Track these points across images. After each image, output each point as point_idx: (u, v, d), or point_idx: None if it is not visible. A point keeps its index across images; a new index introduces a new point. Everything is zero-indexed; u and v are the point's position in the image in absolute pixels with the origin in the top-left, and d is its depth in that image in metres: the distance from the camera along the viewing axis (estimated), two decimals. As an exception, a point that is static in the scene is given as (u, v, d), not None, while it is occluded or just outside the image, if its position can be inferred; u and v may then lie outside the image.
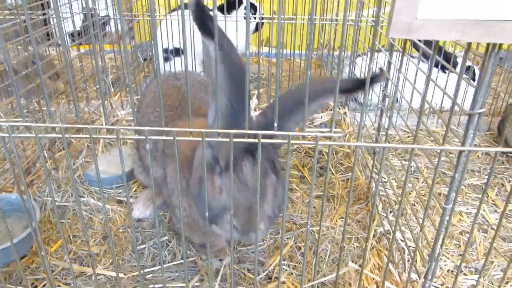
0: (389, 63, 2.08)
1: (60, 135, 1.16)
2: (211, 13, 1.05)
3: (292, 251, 1.94)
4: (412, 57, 3.12)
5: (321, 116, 3.05)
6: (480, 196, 2.36)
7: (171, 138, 1.14)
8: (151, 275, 1.81)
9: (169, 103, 1.88)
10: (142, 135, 1.16)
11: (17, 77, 2.41)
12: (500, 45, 1.04)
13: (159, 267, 1.84)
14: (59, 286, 1.72)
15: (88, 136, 1.16)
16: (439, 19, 0.96)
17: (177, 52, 3.52)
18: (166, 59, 3.57)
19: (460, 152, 1.20)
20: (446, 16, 0.96)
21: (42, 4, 2.99)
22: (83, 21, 3.98)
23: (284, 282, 1.76)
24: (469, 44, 1.12)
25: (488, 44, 1.05)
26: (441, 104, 2.91)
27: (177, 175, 1.20)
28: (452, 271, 1.87)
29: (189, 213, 1.61)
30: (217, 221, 1.32)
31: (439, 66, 2.93)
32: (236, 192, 1.24)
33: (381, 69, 1.18)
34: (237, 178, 1.24)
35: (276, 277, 1.79)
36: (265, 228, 1.28)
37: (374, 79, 1.15)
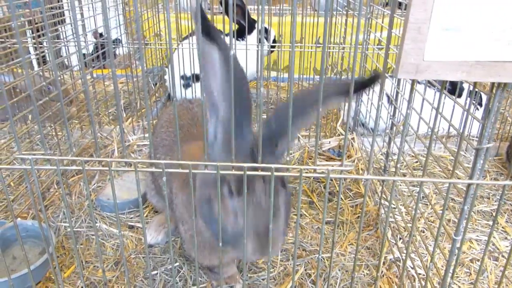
0: (397, 93, 2.12)
1: (81, 168, 1.20)
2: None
3: (302, 278, 1.95)
4: (419, 83, 3.17)
5: (329, 142, 3.09)
6: (489, 223, 2.36)
7: (187, 171, 1.18)
8: (162, 302, 1.83)
9: (180, 123, 1.92)
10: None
11: (31, 108, 2.49)
12: (505, 84, 1.08)
13: (171, 294, 1.85)
14: (72, 313, 1.75)
15: (107, 168, 1.21)
16: (445, 60, 1.01)
17: (197, 78, 3.59)
18: (187, 86, 3.62)
19: (469, 185, 1.22)
20: (451, 58, 1.01)
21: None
22: (94, 47, 4.09)
23: (295, 310, 1.77)
24: (475, 82, 1.16)
25: (492, 83, 1.09)
26: (448, 130, 2.94)
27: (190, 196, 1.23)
28: (463, 300, 1.87)
29: (191, 224, 1.61)
30: (233, 244, 1.31)
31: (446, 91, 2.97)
32: (252, 215, 1.24)
33: (375, 72, 1.20)
34: (251, 201, 1.23)
35: (287, 305, 1.80)
36: (278, 247, 1.31)
37: (370, 80, 1.17)
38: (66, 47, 3.22)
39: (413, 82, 1.25)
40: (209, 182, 1.32)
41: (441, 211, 1.27)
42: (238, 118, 1.17)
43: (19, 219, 2.07)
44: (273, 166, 1.11)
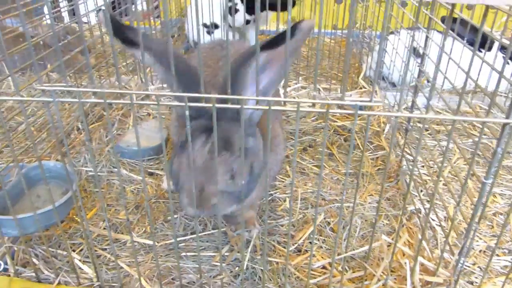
0: (426, 39, 2.02)
1: (102, 100, 1.18)
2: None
3: (321, 225, 1.95)
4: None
5: (351, 95, 3.01)
6: (514, 177, 2.30)
7: (211, 105, 1.15)
8: (183, 244, 1.86)
9: (207, 73, 1.87)
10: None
11: (50, 49, 2.47)
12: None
13: (191, 236, 1.88)
14: (96, 251, 1.79)
15: (129, 101, 1.18)
16: (493, -17, 0.93)
17: (216, 26, 3.70)
18: (209, 33, 3.73)
19: (504, 125, 1.16)
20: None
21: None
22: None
23: (314, 255, 1.77)
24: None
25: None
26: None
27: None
28: (484, 251, 1.85)
29: None
30: (179, 195, 1.39)
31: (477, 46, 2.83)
32: (185, 170, 1.32)
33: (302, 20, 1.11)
34: (187, 157, 1.29)
35: (306, 250, 1.81)
36: (222, 203, 1.32)
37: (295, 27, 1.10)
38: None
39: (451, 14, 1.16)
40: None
41: (471, 158, 1.22)
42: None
43: (42, 160, 2.10)
44: (327, 102, 1.07)
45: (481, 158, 2.43)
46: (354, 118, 1.07)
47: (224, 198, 1.33)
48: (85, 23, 3.30)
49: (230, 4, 3.44)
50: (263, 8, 3.45)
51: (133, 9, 3.65)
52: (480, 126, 1.14)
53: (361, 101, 1.06)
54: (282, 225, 1.97)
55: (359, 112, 1.09)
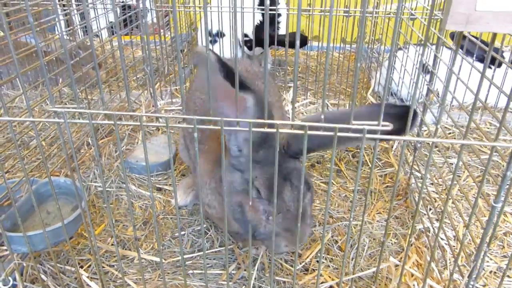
0: (435, 57, 2.02)
1: (111, 122, 1.20)
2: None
3: (329, 244, 1.94)
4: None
5: (359, 110, 3.00)
6: (525, 196, 2.27)
7: (219, 127, 1.16)
8: (190, 261, 1.86)
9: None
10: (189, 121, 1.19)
11: (64, 67, 2.51)
12: None
13: (199, 253, 1.88)
14: (103, 267, 1.80)
15: (138, 123, 1.20)
16: (499, 11, 0.93)
17: (220, 34, 3.61)
18: (214, 42, 3.66)
19: (513, 149, 1.16)
20: (506, 8, 0.93)
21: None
22: (121, 13, 4.08)
23: (321, 275, 1.76)
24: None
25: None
26: (485, 100, 2.81)
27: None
28: (495, 272, 1.82)
29: (220, 210, 1.65)
30: (265, 241, 1.49)
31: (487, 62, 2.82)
32: (282, 218, 1.39)
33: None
34: (280, 205, 1.37)
35: (313, 269, 1.80)
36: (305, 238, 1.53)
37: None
38: (95, 10, 3.21)
39: (459, 38, 1.17)
40: (237, 189, 1.45)
41: (479, 180, 1.22)
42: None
43: (52, 177, 2.12)
44: (336, 126, 1.08)
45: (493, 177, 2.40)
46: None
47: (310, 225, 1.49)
48: (96, 35, 3.35)
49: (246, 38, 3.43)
50: (271, 43, 3.41)
51: (144, 24, 3.71)
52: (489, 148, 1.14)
53: (368, 124, 1.06)
54: (289, 243, 1.96)
55: (367, 136, 1.10)
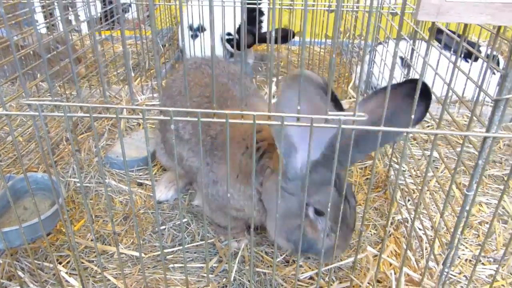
0: (412, 50, 2.05)
1: (88, 115, 1.19)
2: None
3: (309, 236, 1.96)
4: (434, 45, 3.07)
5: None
6: (501, 187, 2.33)
7: (196, 119, 1.16)
8: (171, 255, 1.86)
9: (208, 95, 1.85)
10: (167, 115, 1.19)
11: (40, 61, 2.46)
12: (531, 29, 1.02)
13: (179, 247, 1.88)
14: (82, 263, 1.78)
15: (114, 116, 1.19)
16: (469, 1, 0.95)
17: (202, 28, 3.50)
18: (194, 36, 3.57)
19: (485, 138, 1.19)
20: (476, -2, 0.95)
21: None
22: (102, 8, 4.02)
23: (301, 266, 1.78)
24: (498, 29, 1.11)
25: (518, 29, 1.03)
26: (463, 94, 2.87)
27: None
28: (470, 260, 1.87)
29: (247, 213, 1.66)
30: (318, 254, 1.48)
31: (462, 56, 2.88)
32: (342, 232, 1.39)
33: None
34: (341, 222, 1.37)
35: (294, 261, 1.82)
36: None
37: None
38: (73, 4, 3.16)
39: (432, 30, 1.19)
40: (293, 213, 1.46)
41: (454, 170, 1.24)
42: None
43: (29, 172, 2.09)
44: (312, 116, 1.09)
45: (468, 167, 2.46)
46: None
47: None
48: (75, 30, 3.30)
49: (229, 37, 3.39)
50: (254, 42, 3.36)
51: (125, 18, 3.67)
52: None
53: (344, 115, 1.08)
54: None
55: (342, 126, 1.11)
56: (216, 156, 1.66)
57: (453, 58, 2.84)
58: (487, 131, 1.17)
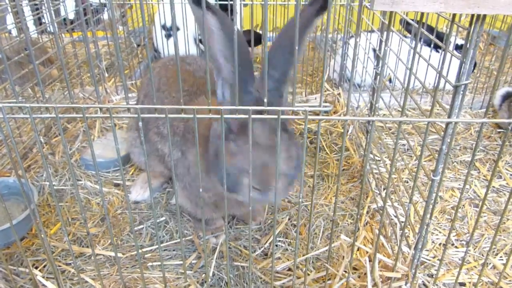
0: (381, 42, 2.09)
1: (54, 115, 1.17)
2: None
3: (287, 228, 1.98)
4: (405, 37, 3.12)
5: (315, 98, 3.07)
6: (472, 172, 2.40)
7: (163, 115, 1.16)
8: (149, 254, 1.85)
9: (186, 88, 1.87)
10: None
11: (9, 62, 2.42)
12: (484, 16, 1.06)
13: (157, 246, 1.87)
14: (59, 266, 1.76)
15: (81, 115, 1.18)
16: (423, -10, 0.98)
17: (177, 28, 3.50)
18: (168, 36, 3.60)
19: (447, 124, 1.22)
20: (430, -13, 0.98)
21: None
22: (75, 8, 3.95)
23: (279, 258, 1.80)
24: (453, 16, 1.14)
25: (472, 16, 1.07)
26: (435, 83, 2.93)
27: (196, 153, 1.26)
28: (444, 244, 1.92)
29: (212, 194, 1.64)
30: (236, 187, 1.33)
31: (432, 45, 2.94)
32: (252, 155, 1.22)
33: None
34: (251, 141, 1.23)
35: (272, 253, 1.83)
36: (284, 186, 1.31)
37: None
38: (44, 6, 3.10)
39: (390, 19, 1.22)
40: (215, 135, 1.39)
41: (420, 155, 1.28)
42: (242, 76, 1.22)
43: (0, 177, 2.05)
44: (280, 108, 1.11)
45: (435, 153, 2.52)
46: (317, 121, 1.10)
47: (286, 180, 1.32)
48: (45, 31, 3.24)
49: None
50: None
51: (103, 17, 3.61)
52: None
53: (310, 106, 1.09)
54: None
55: (309, 117, 1.13)
56: (189, 141, 1.68)
57: (424, 50, 2.89)
58: (449, 117, 1.21)
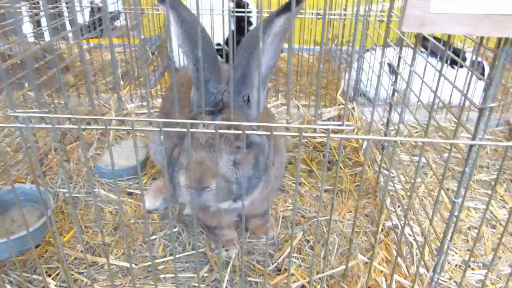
0: (399, 58, 2.08)
1: (76, 126, 1.18)
2: None
3: (301, 244, 1.96)
4: (421, 51, 3.11)
5: (329, 111, 3.06)
6: (488, 191, 2.36)
7: (185, 130, 1.16)
8: (162, 266, 1.84)
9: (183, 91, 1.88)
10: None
11: (26, 71, 2.44)
12: (512, 39, 1.04)
13: (170, 257, 1.87)
14: (72, 275, 1.76)
15: (103, 127, 1.19)
16: (451, 13, 0.97)
17: None
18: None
19: (471, 146, 1.21)
20: (458, 10, 0.97)
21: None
22: (90, 15, 4.00)
23: (293, 274, 1.78)
24: (481, 38, 1.13)
25: (499, 39, 1.06)
26: (450, 100, 2.91)
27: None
28: (460, 265, 1.88)
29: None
30: (174, 180, 1.34)
31: (448, 62, 2.93)
32: (188, 148, 1.23)
33: None
34: (191, 136, 1.25)
35: (286, 269, 1.82)
36: (221, 190, 1.28)
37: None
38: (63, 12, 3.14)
39: (417, 38, 1.21)
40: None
41: (442, 177, 1.26)
42: (205, 76, 1.26)
43: (17, 184, 2.07)
44: (301, 126, 1.10)
45: (455, 173, 2.49)
46: (330, 138, 1.10)
47: (223, 187, 1.29)
48: (63, 38, 3.28)
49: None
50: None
51: (113, 26, 3.66)
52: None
53: (333, 125, 1.08)
54: (262, 245, 1.97)
55: (331, 136, 1.12)
56: None
57: (439, 65, 2.88)
58: (473, 139, 1.19)
